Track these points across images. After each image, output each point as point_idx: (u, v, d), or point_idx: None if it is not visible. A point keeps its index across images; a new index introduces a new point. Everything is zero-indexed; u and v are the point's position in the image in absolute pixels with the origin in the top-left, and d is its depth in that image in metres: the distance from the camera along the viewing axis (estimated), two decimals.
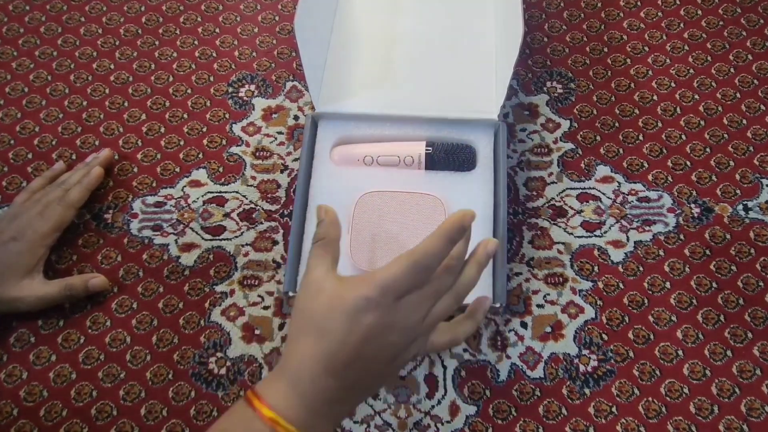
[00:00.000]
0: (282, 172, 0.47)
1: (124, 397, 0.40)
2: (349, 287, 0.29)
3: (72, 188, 0.44)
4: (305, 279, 0.31)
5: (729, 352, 0.41)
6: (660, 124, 0.48)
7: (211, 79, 0.51)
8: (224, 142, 0.49)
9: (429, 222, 0.39)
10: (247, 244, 0.45)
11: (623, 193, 0.46)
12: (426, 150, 0.41)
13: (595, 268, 0.43)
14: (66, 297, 0.41)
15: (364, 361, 0.28)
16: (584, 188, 0.46)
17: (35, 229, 0.41)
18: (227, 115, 0.50)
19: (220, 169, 0.48)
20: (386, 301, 0.28)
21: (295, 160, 0.48)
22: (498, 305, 0.37)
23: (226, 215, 0.46)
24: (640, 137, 0.48)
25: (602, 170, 0.47)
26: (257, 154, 0.48)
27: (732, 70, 0.50)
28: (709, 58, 0.51)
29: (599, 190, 0.46)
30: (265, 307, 0.43)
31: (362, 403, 0.40)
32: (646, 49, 0.51)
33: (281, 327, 0.42)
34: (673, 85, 0.50)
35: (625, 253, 0.44)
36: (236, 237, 0.45)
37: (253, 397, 0.29)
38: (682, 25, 0.52)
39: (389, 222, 0.39)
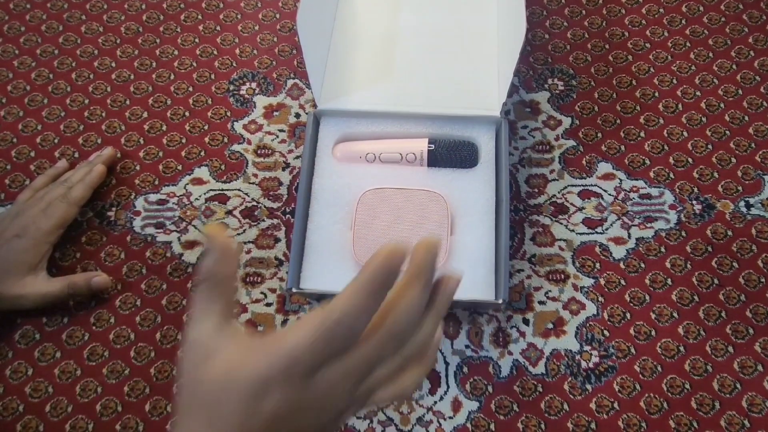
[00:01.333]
0: (284, 169, 0.47)
1: (128, 393, 0.40)
2: (244, 356, 0.22)
3: (75, 186, 0.44)
4: (189, 336, 0.23)
5: (730, 348, 0.41)
6: (661, 121, 0.48)
7: (212, 77, 0.51)
8: (226, 139, 0.49)
9: (431, 219, 0.39)
10: (249, 242, 0.45)
11: (625, 190, 0.46)
12: (428, 147, 0.41)
13: (597, 265, 0.43)
14: (69, 295, 0.42)
15: None
16: (586, 185, 0.46)
17: (38, 227, 0.41)
18: (229, 113, 0.50)
19: (222, 167, 0.48)
20: (292, 381, 0.21)
21: (297, 157, 0.48)
22: (500, 301, 0.37)
23: (229, 213, 0.46)
24: (642, 134, 0.48)
25: (604, 167, 0.47)
26: (259, 151, 0.48)
27: (734, 66, 0.50)
28: (710, 54, 0.51)
29: (601, 187, 0.46)
30: (268, 304, 0.43)
31: None
32: (648, 45, 0.51)
33: (284, 324, 0.43)
34: (674, 81, 0.50)
35: (626, 250, 0.44)
36: (239, 234, 0.45)
37: None
38: (683, 21, 0.52)
39: (392, 219, 0.39)
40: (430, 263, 0.23)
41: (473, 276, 0.39)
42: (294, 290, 0.38)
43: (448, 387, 0.40)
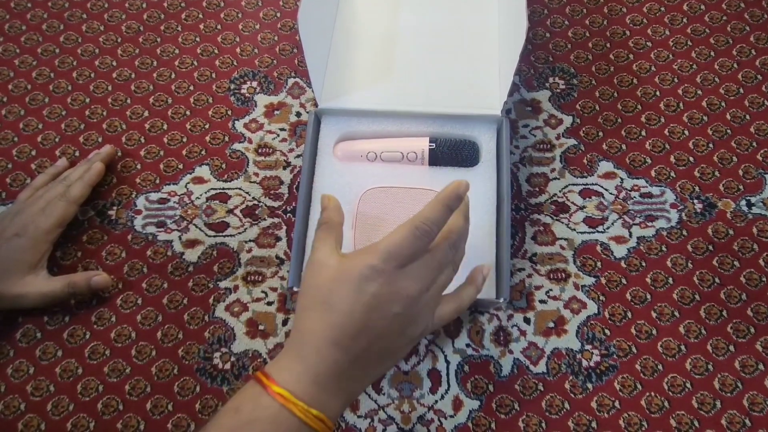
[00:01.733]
0: (284, 168, 0.47)
1: (129, 392, 0.41)
2: (352, 259, 0.30)
3: (73, 184, 0.44)
4: (310, 259, 0.32)
5: (731, 347, 0.41)
6: (663, 120, 0.48)
7: (213, 75, 0.51)
8: (227, 138, 0.49)
9: None
10: (250, 241, 0.45)
11: (626, 189, 0.46)
12: (429, 146, 0.41)
13: (598, 264, 0.43)
14: (69, 294, 0.42)
15: (371, 332, 0.29)
16: (587, 184, 0.46)
17: (37, 225, 0.41)
18: (229, 112, 0.50)
19: (223, 166, 0.48)
20: (389, 268, 0.29)
21: (298, 156, 0.48)
22: (501, 300, 0.37)
23: (229, 212, 0.46)
24: (643, 133, 0.48)
25: (605, 166, 0.47)
26: (260, 150, 0.48)
27: (735, 65, 0.50)
28: (712, 53, 0.50)
29: (602, 186, 0.46)
30: (269, 303, 0.43)
31: (366, 399, 0.40)
32: (649, 44, 0.51)
33: (285, 323, 0.43)
34: (676, 80, 0.50)
35: (627, 249, 0.44)
36: (239, 233, 0.45)
37: (262, 375, 0.29)
38: (685, 20, 0.52)
39: (393, 217, 0.39)
40: (466, 202, 0.33)
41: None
42: (295, 289, 0.38)
43: (449, 386, 0.40)
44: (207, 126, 0.49)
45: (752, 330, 0.41)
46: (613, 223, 0.45)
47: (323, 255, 0.31)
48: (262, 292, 0.43)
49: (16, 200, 0.44)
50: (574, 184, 0.46)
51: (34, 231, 0.41)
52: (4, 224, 0.41)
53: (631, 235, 0.44)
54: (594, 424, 0.39)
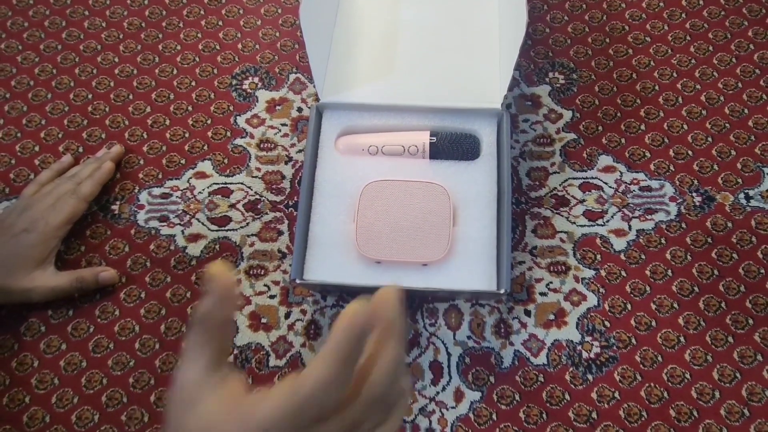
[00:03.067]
0: (286, 163, 0.48)
1: (133, 385, 0.41)
2: (222, 419, 0.22)
3: (84, 181, 0.44)
4: (177, 378, 0.23)
5: (730, 338, 0.41)
6: (662, 114, 0.48)
7: (215, 71, 0.51)
8: (229, 134, 0.49)
9: (434, 210, 0.39)
10: (252, 235, 0.45)
11: (625, 183, 0.46)
12: (430, 139, 0.41)
13: (598, 257, 0.44)
14: (76, 289, 0.42)
15: None
16: (586, 178, 0.46)
17: (48, 221, 0.41)
18: (231, 107, 0.50)
19: (225, 161, 0.48)
20: None
21: (299, 151, 0.48)
22: (502, 292, 0.37)
23: (232, 206, 0.46)
24: (642, 127, 0.48)
25: (604, 160, 0.47)
26: (261, 145, 0.49)
27: (733, 59, 0.50)
28: (710, 48, 0.51)
29: (601, 180, 0.46)
30: (271, 296, 0.43)
31: None
32: (648, 39, 0.51)
33: (287, 316, 0.43)
34: (674, 75, 0.50)
35: (627, 242, 0.44)
36: (242, 227, 0.46)
37: None
38: (683, 15, 0.52)
39: (394, 210, 0.39)
40: (398, 314, 0.22)
41: (475, 267, 0.39)
42: (297, 281, 0.38)
43: (451, 377, 0.41)
44: (209, 121, 0.49)
45: (751, 321, 0.41)
46: (612, 216, 0.45)
47: (193, 379, 0.22)
48: (265, 285, 0.44)
49: (22, 195, 0.44)
50: (574, 178, 0.46)
51: (44, 227, 0.41)
52: (11, 219, 0.42)
53: (630, 228, 0.45)
54: (594, 415, 0.39)
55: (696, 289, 0.43)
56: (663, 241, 0.44)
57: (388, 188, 0.40)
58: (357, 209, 0.39)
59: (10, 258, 0.40)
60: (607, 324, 0.42)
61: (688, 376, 0.40)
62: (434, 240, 0.38)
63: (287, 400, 0.21)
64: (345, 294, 0.43)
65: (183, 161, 0.48)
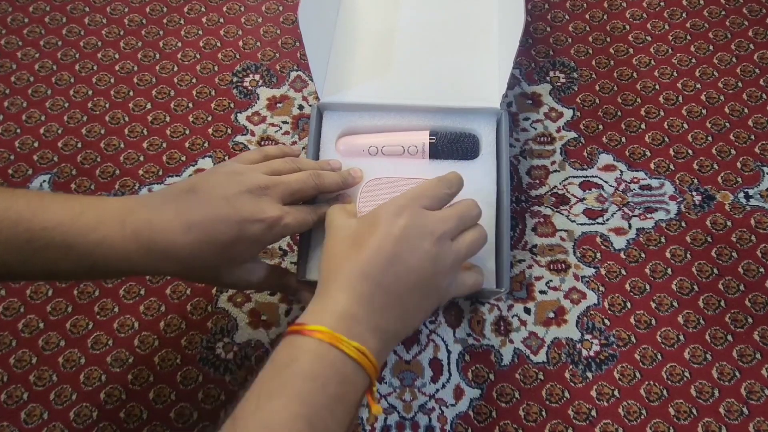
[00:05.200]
0: None
1: (132, 382, 0.41)
2: (375, 210, 0.31)
3: (327, 174, 0.38)
4: (328, 227, 0.33)
5: (729, 337, 0.41)
6: (662, 113, 0.48)
7: (216, 68, 0.51)
8: (229, 131, 0.49)
9: None
10: None
11: (625, 181, 0.46)
12: (430, 139, 0.41)
13: (598, 255, 0.44)
14: (271, 287, 0.40)
15: (402, 264, 0.29)
16: (587, 176, 0.46)
17: (305, 220, 0.35)
18: (232, 105, 0.50)
19: (226, 158, 0.48)
20: (416, 206, 0.31)
21: (303, 148, 0.48)
22: (502, 290, 0.37)
23: None
24: (642, 126, 0.48)
25: (605, 158, 0.47)
26: (262, 143, 0.48)
27: (734, 59, 0.50)
28: (710, 47, 0.51)
29: (602, 178, 0.46)
30: (272, 294, 0.43)
31: None
32: (649, 38, 0.52)
33: (287, 313, 0.43)
34: (675, 74, 0.50)
35: (627, 240, 0.44)
36: None
37: (294, 325, 0.28)
38: (684, 14, 0.52)
39: None
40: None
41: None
42: (299, 279, 0.38)
43: (450, 375, 0.41)
44: (209, 118, 0.49)
45: (750, 320, 0.42)
46: (612, 215, 0.45)
47: (342, 220, 0.32)
48: None
49: (241, 157, 0.36)
50: (574, 177, 0.46)
51: (297, 227, 0.35)
52: (272, 209, 0.33)
53: (630, 226, 0.45)
54: (594, 413, 0.39)
55: (696, 287, 0.43)
56: (663, 239, 0.44)
57: (388, 186, 0.40)
58: (357, 207, 0.39)
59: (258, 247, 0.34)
60: (607, 322, 0.42)
61: (687, 374, 0.40)
62: None
63: (428, 180, 0.34)
64: None
65: (183, 158, 0.48)
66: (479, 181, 0.41)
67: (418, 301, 0.31)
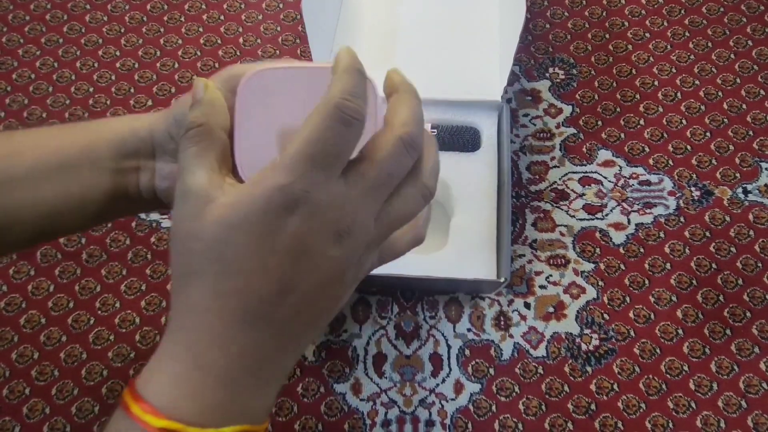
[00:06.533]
0: None
1: (133, 376, 0.41)
2: (250, 185, 0.18)
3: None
4: (178, 191, 0.20)
5: (728, 331, 0.41)
6: (661, 109, 0.49)
7: (217, 65, 0.52)
8: None
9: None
10: None
11: (624, 177, 0.46)
12: (431, 132, 0.42)
13: (597, 250, 0.44)
14: None
15: (299, 289, 0.19)
16: (586, 172, 0.47)
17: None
18: None
19: None
20: (314, 183, 0.18)
21: None
22: (502, 280, 0.37)
23: None
24: (641, 122, 0.48)
25: (604, 154, 0.47)
26: None
27: (732, 55, 0.51)
28: (709, 44, 0.51)
29: (601, 174, 0.47)
30: None
31: (368, 382, 0.40)
32: (647, 35, 0.52)
33: None
34: (673, 70, 0.50)
35: (626, 235, 0.44)
36: None
37: (131, 399, 0.18)
38: (682, 11, 0.53)
39: (292, 112, 0.23)
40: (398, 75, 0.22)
41: (475, 257, 0.39)
42: None
43: (450, 369, 0.41)
44: None
45: (748, 314, 0.42)
46: (612, 210, 0.45)
47: (200, 182, 0.19)
48: None
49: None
50: (573, 172, 0.47)
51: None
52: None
53: (629, 221, 0.45)
54: (593, 407, 0.40)
55: (694, 282, 0.43)
56: (662, 234, 0.44)
57: (281, 81, 0.24)
58: (236, 114, 0.23)
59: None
60: (606, 317, 0.42)
61: (686, 368, 0.40)
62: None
63: (323, 115, 0.18)
64: None
65: None
66: (480, 173, 0.41)
67: (322, 320, 0.21)
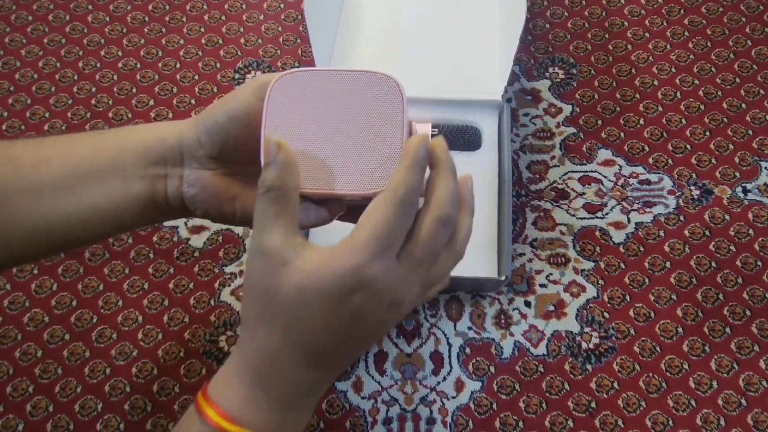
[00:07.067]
0: None
1: (136, 375, 0.41)
2: (325, 257, 0.21)
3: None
4: (255, 246, 0.22)
5: (728, 329, 0.42)
6: (660, 109, 0.49)
7: (218, 65, 0.52)
8: None
9: (379, 114, 0.24)
10: None
11: (624, 176, 0.47)
12: (431, 131, 0.42)
13: (597, 249, 0.44)
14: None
15: (351, 342, 0.23)
16: (586, 171, 0.47)
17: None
18: None
19: None
20: (379, 269, 0.21)
21: None
22: (503, 278, 0.37)
23: None
24: (641, 121, 0.48)
25: (604, 154, 0.47)
26: None
27: (731, 55, 0.51)
28: (708, 43, 0.51)
29: (601, 173, 0.47)
30: None
31: (369, 380, 0.41)
32: (647, 35, 0.52)
33: None
34: (673, 70, 0.50)
35: (626, 234, 0.45)
36: None
37: (205, 403, 0.22)
38: (682, 11, 0.53)
39: (318, 113, 0.24)
40: (445, 158, 0.24)
41: (476, 256, 0.39)
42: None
43: (451, 368, 0.41)
44: None
45: (748, 313, 0.42)
46: (611, 209, 0.46)
47: (276, 243, 0.22)
48: None
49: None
50: (573, 171, 0.47)
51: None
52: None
53: (629, 220, 0.45)
54: (593, 405, 0.40)
55: (694, 281, 0.43)
56: (662, 233, 0.45)
57: (313, 83, 0.24)
58: (265, 117, 0.24)
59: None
60: (607, 315, 0.42)
61: (686, 366, 0.41)
62: (379, 159, 0.24)
63: (388, 206, 0.21)
64: None
65: None
66: (481, 172, 0.42)
67: (362, 353, 0.27)
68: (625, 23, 0.53)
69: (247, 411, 0.22)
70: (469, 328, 0.42)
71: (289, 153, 0.23)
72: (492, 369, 0.41)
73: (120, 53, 0.53)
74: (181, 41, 0.53)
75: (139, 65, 0.52)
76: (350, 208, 0.28)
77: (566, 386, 0.40)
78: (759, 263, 0.43)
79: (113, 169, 0.26)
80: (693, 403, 0.40)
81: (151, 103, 0.50)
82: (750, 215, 0.45)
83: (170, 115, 0.50)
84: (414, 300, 0.24)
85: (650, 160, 0.47)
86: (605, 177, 0.47)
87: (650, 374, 0.40)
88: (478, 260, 0.39)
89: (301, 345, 0.22)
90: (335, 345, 0.23)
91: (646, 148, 0.48)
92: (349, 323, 0.22)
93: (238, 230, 0.46)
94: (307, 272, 0.21)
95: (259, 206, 0.22)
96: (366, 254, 0.21)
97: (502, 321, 0.42)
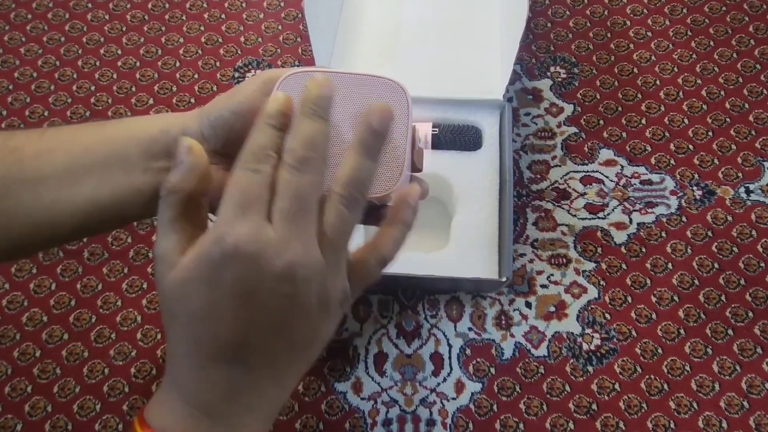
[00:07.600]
0: None
1: (135, 375, 0.41)
2: (196, 246, 0.21)
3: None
4: (155, 250, 0.22)
5: (730, 331, 0.41)
6: (662, 109, 0.49)
7: (218, 64, 0.52)
8: None
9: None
10: None
11: (626, 176, 0.46)
12: (432, 131, 0.42)
13: (598, 250, 0.44)
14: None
15: (259, 328, 0.21)
16: (588, 171, 0.47)
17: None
18: None
19: None
20: (242, 233, 0.20)
21: None
22: (504, 279, 0.37)
23: None
24: (643, 121, 0.48)
25: (605, 153, 0.47)
26: None
27: (734, 55, 0.50)
28: (711, 43, 0.51)
29: (602, 173, 0.47)
30: None
31: (369, 381, 0.40)
32: (649, 34, 0.52)
33: None
34: (675, 69, 0.50)
35: (627, 235, 0.44)
36: None
37: (138, 424, 0.21)
38: (684, 10, 0.53)
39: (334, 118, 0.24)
40: (312, 99, 0.22)
41: (477, 256, 0.39)
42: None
43: (452, 369, 0.41)
44: None
45: (750, 314, 0.42)
46: (613, 210, 0.45)
47: (167, 249, 0.21)
48: None
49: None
50: (575, 171, 0.47)
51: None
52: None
53: (631, 221, 0.45)
54: (594, 406, 0.40)
55: (696, 282, 0.43)
56: (663, 234, 0.44)
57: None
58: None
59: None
60: (608, 316, 0.42)
61: (688, 368, 0.40)
62: (384, 162, 0.24)
63: (236, 171, 0.21)
64: None
65: None
66: (482, 172, 0.41)
67: (304, 352, 0.23)
68: (627, 22, 0.52)
69: (169, 421, 0.21)
70: (470, 329, 0.42)
71: (199, 157, 0.22)
72: (492, 370, 0.41)
73: (119, 52, 0.52)
74: (181, 40, 0.53)
75: (138, 64, 0.52)
76: None
77: (567, 388, 0.40)
78: (762, 264, 0.43)
79: (116, 160, 0.25)
80: (695, 405, 0.39)
81: (151, 101, 0.50)
82: (753, 216, 0.45)
83: None
84: (329, 270, 0.21)
85: (652, 161, 0.47)
86: (607, 177, 0.46)
87: (652, 376, 0.40)
88: (478, 261, 0.39)
89: (202, 341, 0.21)
90: (241, 334, 0.21)
91: (648, 148, 0.47)
92: (239, 303, 0.20)
93: None
94: (180, 265, 0.21)
95: (159, 209, 0.22)
96: (223, 222, 0.20)
97: (503, 322, 0.42)
